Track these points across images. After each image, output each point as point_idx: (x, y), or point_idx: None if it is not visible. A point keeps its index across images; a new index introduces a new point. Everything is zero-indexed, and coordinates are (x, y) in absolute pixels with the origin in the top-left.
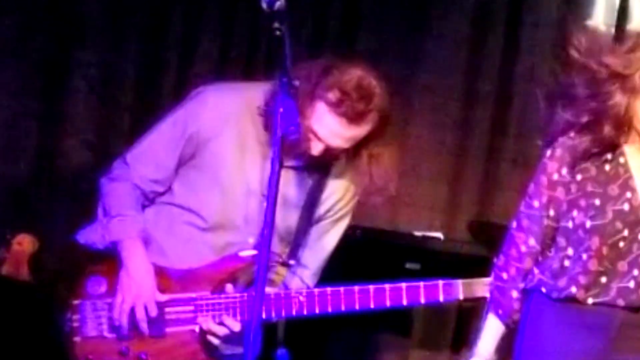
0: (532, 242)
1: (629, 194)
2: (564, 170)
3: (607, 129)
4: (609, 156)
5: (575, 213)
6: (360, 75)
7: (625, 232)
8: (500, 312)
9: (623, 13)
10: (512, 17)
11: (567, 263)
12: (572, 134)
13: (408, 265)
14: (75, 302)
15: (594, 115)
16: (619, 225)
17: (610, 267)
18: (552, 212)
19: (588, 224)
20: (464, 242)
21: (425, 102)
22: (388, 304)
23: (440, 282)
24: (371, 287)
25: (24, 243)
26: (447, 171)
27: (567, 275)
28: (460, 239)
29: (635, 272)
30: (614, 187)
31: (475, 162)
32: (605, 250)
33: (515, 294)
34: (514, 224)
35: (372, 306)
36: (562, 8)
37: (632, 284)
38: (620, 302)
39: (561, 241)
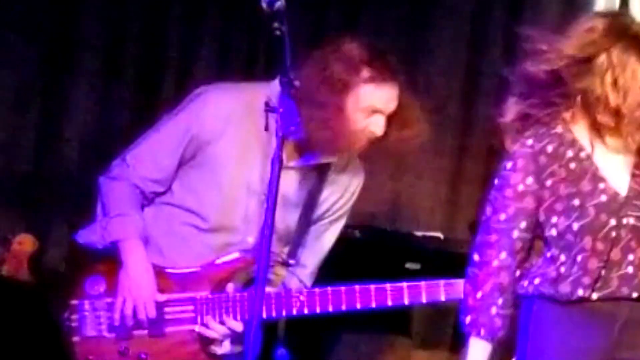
0: (503, 255)
1: (602, 185)
2: (530, 180)
3: (598, 115)
4: (570, 154)
5: (555, 219)
6: (356, 44)
7: (612, 222)
8: (482, 332)
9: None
10: (512, 16)
11: (563, 269)
12: (530, 142)
13: (408, 265)
14: (74, 302)
15: (565, 103)
16: (604, 217)
17: (607, 259)
18: (523, 224)
19: (575, 226)
20: (464, 242)
21: (425, 102)
22: (390, 303)
23: (442, 282)
24: (372, 287)
25: (24, 243)
26: (447, 171)
27: (568, 280)
28: (460, 239)
29: (631, 257)
30: (585, 182)
31: (475, 162)
32: (599, 245)
33: (494, 309)
34: (483, 240)
35: (373, 305)
36: (562, 8)
37: (630, 269)
38: (625, 291)
39: (552, 251)
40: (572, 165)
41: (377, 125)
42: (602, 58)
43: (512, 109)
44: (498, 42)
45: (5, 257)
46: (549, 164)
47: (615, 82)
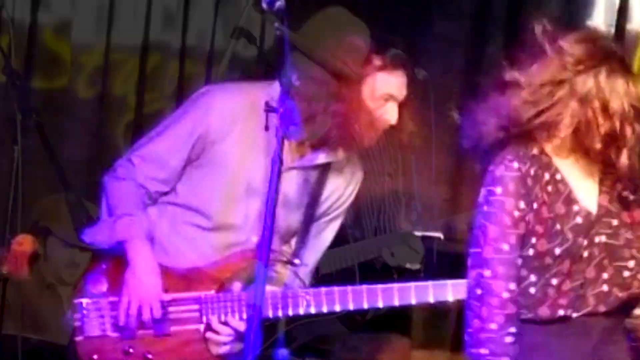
0: (512, 286)
1: (575, 207)
2: (522, 204)
3: (587, 140)
4: (547, 176)
5: (534, 240)
6: (360, 36)
7: (585, 242)
8: None
9: (623, 13)
10: (512, 17)
11: (532, 290)
12: (516, 165)
13: (408, 265)
14: (76, 301)
15: (548, 125)
16: (580, 240)
17: (581, 278)
18: (519, 250)
19: (557, 251)
20: (464, 242)
21: (425, 101)
22: (397, 303)
23: (449, 282)
24: (379, 287)
25: (24, 243)
26: (447, 171)
27: (546, 304)
28: (460, 239)
29: (605, 275)
30: (560, 205)
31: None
32: (574, 266)
33: (509, 338)
34: (488, 273)
35: (380, 305)
36: (562, 8)
37: (605, 287)
38: (602, 308)
39: (522, 271)
40: (550, 188)
41: (391, 114)
42: (589, 83)
43: (492, 134)
44: (498, 42)
45: (5, 257)
46: (533, 187)
47: (605, 108)
